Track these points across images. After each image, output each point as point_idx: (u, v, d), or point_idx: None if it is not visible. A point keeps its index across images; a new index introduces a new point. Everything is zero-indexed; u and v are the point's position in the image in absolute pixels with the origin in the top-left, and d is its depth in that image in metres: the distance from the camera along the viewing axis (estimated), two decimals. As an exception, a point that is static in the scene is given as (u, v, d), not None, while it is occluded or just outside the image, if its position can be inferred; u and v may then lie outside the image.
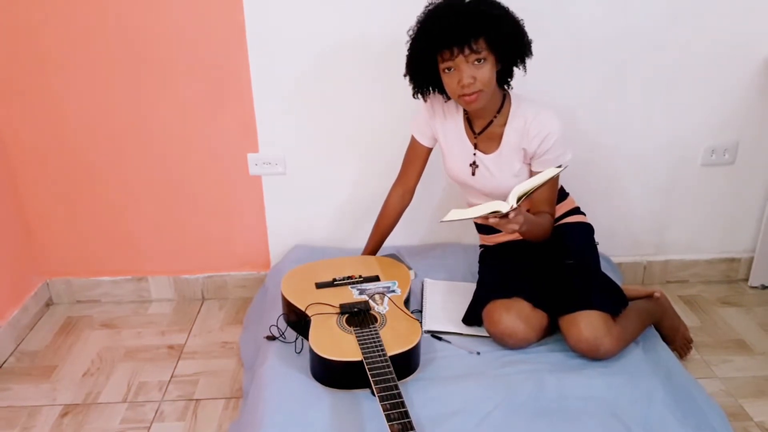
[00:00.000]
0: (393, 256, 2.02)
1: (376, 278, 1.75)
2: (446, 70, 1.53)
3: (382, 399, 1.26)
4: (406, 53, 1.61)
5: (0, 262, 2.01)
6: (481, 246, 1.90)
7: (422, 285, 1.90)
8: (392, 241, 2.21)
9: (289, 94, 2.03)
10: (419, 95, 1.67)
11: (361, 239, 2.21)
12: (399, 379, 1.34)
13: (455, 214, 1.42)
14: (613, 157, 2.16)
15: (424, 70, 1.59)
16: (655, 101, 2.09)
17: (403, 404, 1.24)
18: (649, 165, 2.18)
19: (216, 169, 2.12)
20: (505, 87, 1.66)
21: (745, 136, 2.16)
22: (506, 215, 1.41)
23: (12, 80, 1.96)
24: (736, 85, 2.08)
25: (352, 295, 1.66)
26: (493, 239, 1.83)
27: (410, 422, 1.19)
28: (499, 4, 1.53)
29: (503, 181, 1.67)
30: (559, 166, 1.45)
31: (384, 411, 1.22)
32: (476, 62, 1.50)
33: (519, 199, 1.39)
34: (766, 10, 1.99)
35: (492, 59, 1.52)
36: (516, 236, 1.76)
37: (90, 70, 1.96)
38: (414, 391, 1.43)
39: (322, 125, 2.08)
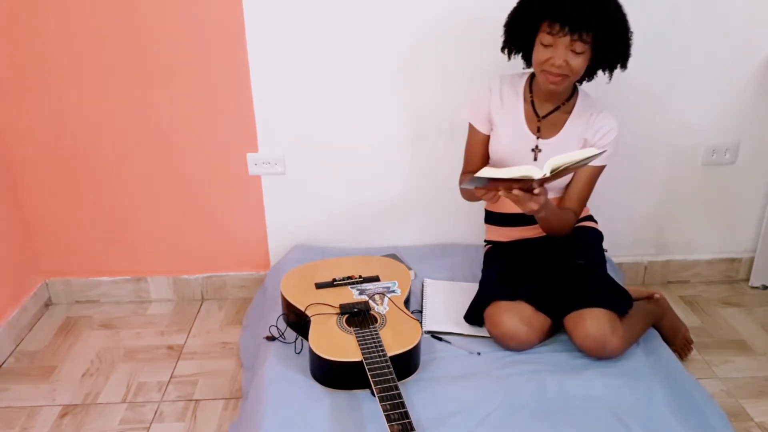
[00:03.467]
0: (393, 256, 2.02)
1: (376, 278, 1.74)
2: (543, 42, 1.52)
3: (382, 399, 1.26)
4: (515, 5, 1.59)
5: (-1, 263, 2.02)
6: (487, 242, 1.89)
7: (422, 285, 1.90)
8: (392, 241, 2.22)
9: (289, 94, 2.03)
10: (504, 51, 1.65)
11: (361, 239, 2.22)
12: (399, 380, 1.34)
13: (487, 171, 1.38)
14: (614, 156, 2.15)
15: (524, 30, 1.58)
16: (655, 101, 2.09)
17: (403, 405, 1.24)
18: (650, 165, 2.17)
19: (215, 169, 2.11)
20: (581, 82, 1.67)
21: (746, 136, 2.15)
22: (531, 189, 1.40)
23: (13, 81, 1.96)
24: (737, 84, 2.08)
25: (352, 295, 1.66)
26: (508, 233, 1.81)
27: (410, 423, 1.19)
28: (621, 9, 1.54)
29: None
30: (599, 153, 1.40)
31: (384, 411, 1.22)
32: (574, 51, 1.50)
33: (553, 171, 1.37)
34: (766, 10, 1.99)
35: (589, 54, 1.53)
36: (530, 234, 1.77)
37: (90, 70, 1.96)
38: (414, 392, 1.43)
39: (322, 125, 2.07)
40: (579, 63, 1.52)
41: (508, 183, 1.42)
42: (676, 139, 2.15)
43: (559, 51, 1.51)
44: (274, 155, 2.10)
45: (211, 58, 1.97)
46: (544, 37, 1.52)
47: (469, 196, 1.77)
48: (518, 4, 1.60)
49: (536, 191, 1.41)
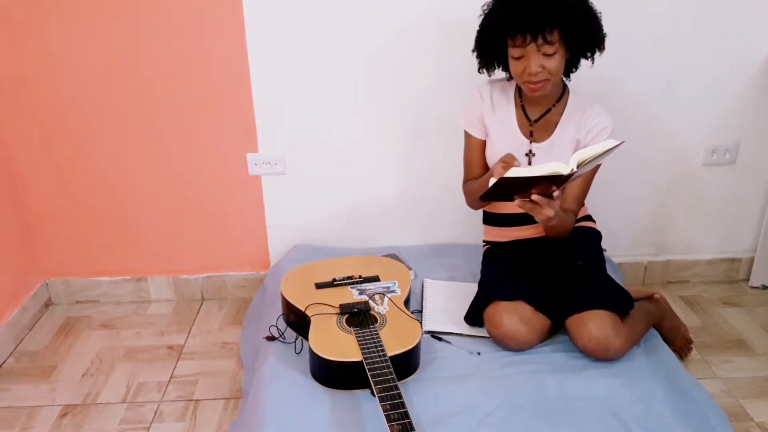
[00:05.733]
0: (393, 256, 2.02)
1: (376, 278, 1.74)
2: (514, 56, 1.52)
3: (382, 399, 1.26)
4: (477, 28, 1.59)
5: (-1, 263, 2.02)
6: (486, 243, 1.89)
7: (422, 285, 1.90)
8: (392, 241, 2.22)
9: (289, 94, 2.03)
10: (484, 70, 1.66)
11: (361, 239, 2.22)
12: (399, 380, 1.33)
13: (516, 171, 1.34)
14: (614, 156, 2.15)
15: (493, 50, 1.59)
16: (655, 101, 2.09)
17: (403, 405, 1.24)
18: (650, 165, 2.17)
19: (216, 169, 2.11)
20: (568, 77, 1.66)
21: (746, 135, 2.15)
22: (549, 194, 1.38)
23: (13, 80, 1.96)
24: (737, 84, 2.08)
25: (352, 295, 1.66)
26: (506, 234, 1.80)
27: (410, 423, 1.19)
28: None
29: None
30: (620, 144, 1.37)
31: (384, 411, 1.22)
32: (546, 54, 1.49)
33: (579, 165, 1.34)
34: (766, 10, 1.99)
35: (563, 50, 1.51)
36: (528, 234, 1.76)
37: (90, 70, 1.96)
38: (414, 392, 1.43)
39: (322, 125, 2.08)
40: (555, 63, 1.51)
41: (527, 189, 1.38)
42: (676, 139, 2.14)
43: (532, 59, 1.49)
44: (274, 155, 2.10)
45: (211, 58, 1.97)
46: (513, 51, 1.52)
47: (475, 203, 1.77)
48: (480, 27, 1.59)
49: (555, 194, 1.39)
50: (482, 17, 1.58)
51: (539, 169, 1.34)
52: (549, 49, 1.48)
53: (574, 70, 1.63)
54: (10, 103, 1.99)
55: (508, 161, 1.54)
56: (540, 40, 1.46)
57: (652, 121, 2.11)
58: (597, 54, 1.58)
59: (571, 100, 1.67)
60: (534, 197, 1.39)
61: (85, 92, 1.99)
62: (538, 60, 1.49)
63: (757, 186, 2.24)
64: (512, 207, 1.58)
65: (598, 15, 1.54)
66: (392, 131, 2.09)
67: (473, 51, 1.64)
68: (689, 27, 2.00)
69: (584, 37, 1.53)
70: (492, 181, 1.38)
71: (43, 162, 2.07)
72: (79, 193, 2.12)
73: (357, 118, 2.07)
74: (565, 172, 1.32)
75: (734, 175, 2.21)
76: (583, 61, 1.62)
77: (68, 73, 1.96)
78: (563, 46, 1.51)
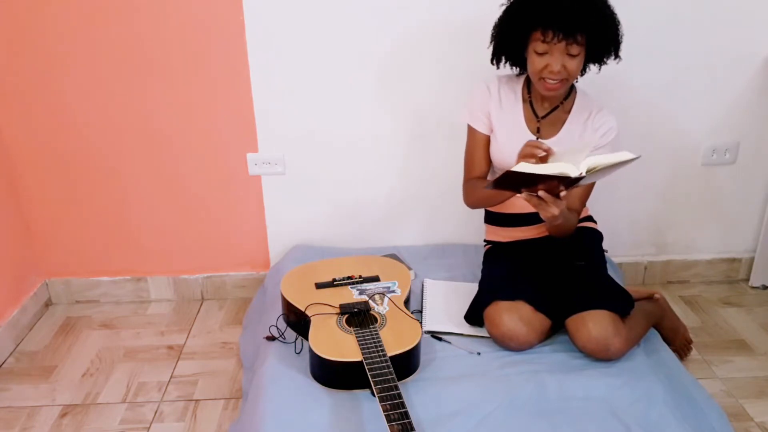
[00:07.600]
0: (393, 256, 2.02)
1: (376, 278, 1.74)
2: (537, 51, 1.51)
3: (382, 399, 1.26)
4: (500, 15, 1.58)
5: (-1, 263, 2.02)
6: (487, 242, 1.89)
7: (422, 285, 1.90)
8: (392, 241, 2.22)
9: (289, 94, 2.03)
10: (494, 62, 1.65)
11: (361, 239, 2.22)
12: (399, 380, 1.34)
13: (524, 167, 1.32)
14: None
15: (513, 41, 1.57)
16: (655, 100, 2.09)
17: (403, 405, 1.24)
18: (650, 165, 2.17)
19: (215, 168, 2.11)
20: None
21: (746, 135, 2.15)
22: (560, 191, 1.37)
23: (12, 80, 1.96)
24: (737, 84, 2.08)
25: (352, 295, 1.66)
26: (507, 234, 1.81)
27: (410, 423, 1.19)
28: (608, 3, 1.52)
29: None
30: (635, 158, 1.36)
31: (384, 411, 1.22)
32: (570, 54, 1.49)
33: (588, 171, 1.32)
34: (766, 10, 1.99)
35: (584, 54, 1.52)
36: (530, 235, 1.77)
37: (90, 70, 1.96)
38: (414, 392, 1.43)
39: (322, 125, 2.07)
40: (575, 65, 1.52)
41: (534, 184, 1.37)
42: (676, 139, 2.14)
43: (556, 57, 1.49)
44: (274, 155, 2.10)
45: (211, 58, 1.97)
46: (538, 46, 1.50)
47: (476, 202, 1.76)
48: (505, 15, 1.57)
49: (563, 194, 1.38)
50: (508, 5, 1.56)
51: (548, 167, 1.33)
52: (574, 50, 1.49)
53: (581, 74, 1.64)
54: (10, 103, 1.99)
55: (535, 144, 1.48)
56: (570, 40, 1.47)
57: (652, 121, 2.11)
58: (612, 60, 1.59)
59: (579, 99, 1.67)
60: (541, 193, 1.39)
61: (84, 92, 1.99)
62: (562, 59, 1.50)
63: (757, 186, 2.24)
64: (515, 207, 1.57)
65: (620, 25, 1.55)
66: (392, 131, 2.09)
67: (491, 40, 1.62)
68: (689, 27, 2.00)
69: (606, 45, 1.54)
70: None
71: (43, 162, 2.07)
72: (79, 193, 2.12)
73: (357, 118, 2.07)
74: (573, 174, 1.32)
75: (734, 175, 2.21)
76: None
77: (68, 73, 1.96)
78: (584, 51, 1.52)
